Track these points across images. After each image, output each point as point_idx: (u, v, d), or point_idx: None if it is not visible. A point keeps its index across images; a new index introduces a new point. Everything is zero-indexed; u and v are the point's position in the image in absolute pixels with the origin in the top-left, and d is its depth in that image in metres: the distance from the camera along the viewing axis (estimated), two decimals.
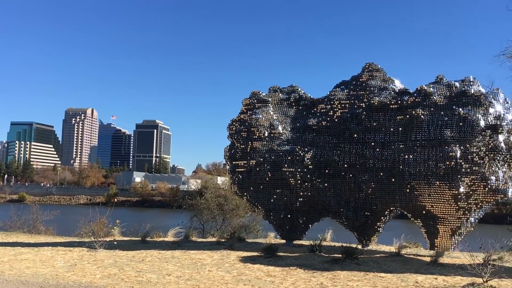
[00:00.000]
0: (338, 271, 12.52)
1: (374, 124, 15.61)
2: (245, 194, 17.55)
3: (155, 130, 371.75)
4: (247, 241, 20.18)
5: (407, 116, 14.94)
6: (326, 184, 16.19)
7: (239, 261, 14.04)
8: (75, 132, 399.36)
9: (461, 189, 13.92)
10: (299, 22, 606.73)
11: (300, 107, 17.80)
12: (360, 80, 16.84)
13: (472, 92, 14.52)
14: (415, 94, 15.30)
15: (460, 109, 14.26)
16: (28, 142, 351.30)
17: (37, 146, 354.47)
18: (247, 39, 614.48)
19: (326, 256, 14.72)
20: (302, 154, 16.16)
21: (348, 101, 16.57)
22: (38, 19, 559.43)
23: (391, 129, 15.30)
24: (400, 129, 15.09)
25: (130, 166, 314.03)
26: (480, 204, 14.38)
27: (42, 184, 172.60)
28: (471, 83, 14.97)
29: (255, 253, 15.21)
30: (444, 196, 14.17)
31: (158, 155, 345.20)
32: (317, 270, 12.71)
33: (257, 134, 16.93)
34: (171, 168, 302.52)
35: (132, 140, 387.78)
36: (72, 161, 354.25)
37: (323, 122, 16.63)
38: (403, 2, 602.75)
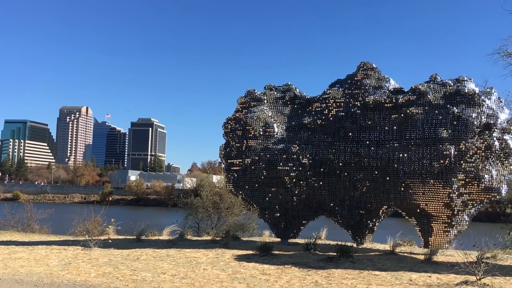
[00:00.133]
0: (332, 269, 12.57)
1: (369, 122, 15.66)
2: (240, 192, 17.56)
3: (150, 129, 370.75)
4: (242, 239, 20.21)
5: (402, 115, 14.99)
6: (321, 183, 16.23)
7: (234, 260, 14.06)
8: (70, 130, 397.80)
9: (455, 188, 14.00)
10: (298, 20, 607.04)
11: (295, 106, 17.83)
12: (355, 79, 16.88)
13: (466, 91, 14.60)
14: (410, 93, 15.36)
15: (454, 108, 14.33)
16: (22, 141, 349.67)
17: (32, 144, 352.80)
18: (244, 37, 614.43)
19: (321, 255, 14.77)
20: (297, 153, 16.18)
21: (343, 100, 16.61)
22: (32, 16, 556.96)
23: (386, 128, 15.35)
24: (395, 127, 15.15)
25: (125, 165, 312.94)
26: (474, 202, 14.47)
27: (36, 182, 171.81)
28: (465, 82, 15.04)
29: (250, 252, 15.24)
30: (438, 194, 14.24)
31: (153, 153, 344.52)
32: (312, 268, 12.75)
33: (252, 133, 16.94)
34: (166, 167, 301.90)
35: (127, 138, 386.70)
36: (66, 159, 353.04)
37: (318, 121, 16.66)
38: (400, 2, 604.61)
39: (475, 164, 14.00)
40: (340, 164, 15.89)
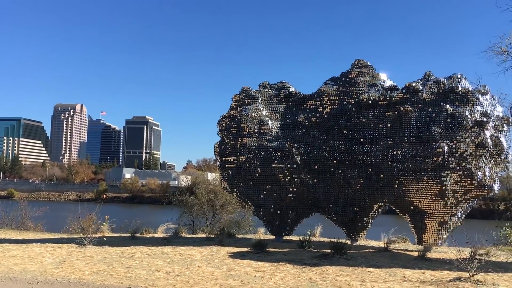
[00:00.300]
0: (327, 266, 12.61)
1: (363, 120, 15.71)
2: (235, 190, 17.58)
3: (145, 126, 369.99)
4: (237, 237, 20.23)
5: (396, 113, 15.05)
6: (315, 180, 16.28)
7: (228, 257, 14.09)
8: (64, 128, 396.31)
9: (448, 185, 14.09)
10: (297, 17, 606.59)
11: (290, 103, 17.85)
12: (350, 76, 16.91)
13: (460, 88, 14.67)
14: (404, 91, 15.41)
15: (448, 105, 14.40)
16: (16, 138, 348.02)
17: (26, 142, 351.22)
18: (241, 34, 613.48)
19: (315, 252, 14.82)
20: (292, 150, 16.22)
21: (337, 97, 16.65)
22: (25, 12, 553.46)
23: (380, 125, 15.40)
24: (389, 125, 15.20)
25: (120, 162, 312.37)
26: (467, 199, 14.56)
27: (30, 180, 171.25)
28: (459, 79, 15.12)
29: (245, 249, 15.27)
30: (431, 191, 14.32)
31: (148, 151, 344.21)
32: (306, 265, 12.80)
33: (247, 130, 16.96)
34: (161, 164, 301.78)
35: (122, 136, 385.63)
36: (61, 157, 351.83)
37: (312, 118, 16.70)
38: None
39: (468, 161, 14.09)
40: (335, 161, 15.95)
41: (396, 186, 14.80)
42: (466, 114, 14.17)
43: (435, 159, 14.03)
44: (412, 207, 15.00)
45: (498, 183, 14.69)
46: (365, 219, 16.67)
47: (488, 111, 14.51)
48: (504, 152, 14.64)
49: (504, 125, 14.83)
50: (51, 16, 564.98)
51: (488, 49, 21.20)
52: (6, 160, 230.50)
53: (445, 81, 15.16)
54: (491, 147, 14.24)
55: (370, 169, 15.30)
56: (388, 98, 15.47)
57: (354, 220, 16.51)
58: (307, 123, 16.70)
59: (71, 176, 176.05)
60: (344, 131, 15.99)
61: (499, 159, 14.68)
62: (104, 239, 17.24)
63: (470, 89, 14.77)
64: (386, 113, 15.35)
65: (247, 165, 16.87)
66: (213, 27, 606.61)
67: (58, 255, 14.77)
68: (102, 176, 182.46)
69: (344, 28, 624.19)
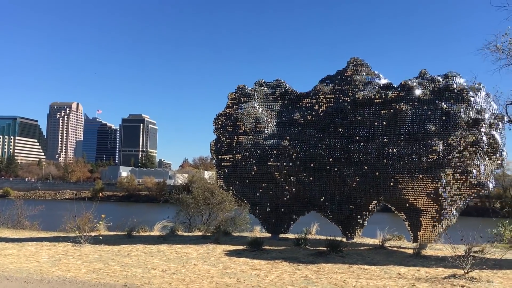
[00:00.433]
0: (322, 264, 12.66)
1: (359, 118, 15.75)
2: (231, 188, 17.60)
3: (142, 125, 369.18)
4: (233, 235, 20.26)
5: (391, 111, 15.10)
6: (311, 178, 16.31)
7: (224, 255, 14.11)
8: (60, 126, 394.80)
9: (444, 182, 14.15)
10: (294, 14, 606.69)
11: (286, 101, 17.87)
12: (345, 74, 16.95)
13: (455, 86, 14.73)
14: (399, 89, 15.46)
15: (443, 103, 14.46)
16: (12, 137, 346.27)
17: (21, 140, 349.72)
18: (237, 32, 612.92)
19: (311, 249, 14.86)
20: (288, 148, 16.24)
21: (333, 96, 16.68)
22: (20, 10, 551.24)
23: (376, 123, 15.45)
24: (384, 123, 15.25)
25: (116, 161, 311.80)
26: (462, 197, 14.63)
27: (26, 179, 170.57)
28: (454, 77, 15.18)
29: (241, 247, 15.30)
30: (427, 189, 14.38)
31: (144, 149, 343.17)
32: (302, 263, 12.84)
33: (243, 128, 16.97)
34: (157, 163, 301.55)
35: (118, 134, 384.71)
36: (57, 155, 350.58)
37: (308, 116, 16.72)
38: None
39: (463, 159, 14.15)
40: (330, 159, 15.98)
41: (391, 184, 14.85)
42: (461, 111, 14.23)
43: (431, 157, 14.09)
44: (407, 205, 15.06)
45: (493, 180, 14.77)
46: (360, 216, 16.71)
47: (483, 109, 14.57)
48: (499, 150, 14.72)
49: (499, 122, 14.90)
50: (48, 15, 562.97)
51: (484, 47, 21.27)
52: (1, 159, 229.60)
53: (440, 79, 15.22)
54: (486, 144, 14.31)
55: (365, 167, 15.35)
56: (383, 96, 15.51)
57: (350, 218, 16.56)
58: (303, 121, 16.73)
59: (67, 175, 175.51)
60: (340, 129, 16.03)
61: (494, 156, 14.76)
62: (100, 237, 17.23)
63: (465, 87, 14.82)
64: (382, 111, 15.40)
65: (243, 163, 16.88)
66: (210, 25, 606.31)
67: (54, 253, 14.75)
68: (98, 175, 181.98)
69: (340, 27, 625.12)
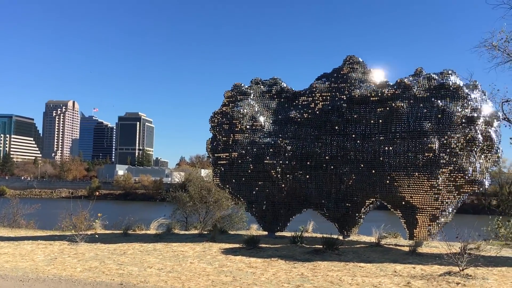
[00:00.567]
0: (318, 262, 12.67)
1: (355, 116, 15.76)
2: (227, 186, 17.59)
3: (138, 123, 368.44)
4: (230, 233, 20.27)
5: (387, 108, 15.12)
6: (307, 176, 16.32)
7: (221, 253, 14.11)
8: (56, 124, 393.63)
9: (440, 180, 14.18)
10: (291, 11, 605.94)
11: (282, 99, 17.87)
12: (341, 72, 16.97)
13: (451, 84, 14.76)
14: (395, 87, 15.47)
15: (439, 101, 14.49)
16: (7, 135, 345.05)
17: (17, 139, 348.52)
18: (235, 29, 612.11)
19: (307, 247, 14.88)
20: (284, 146, 16.25)
21: (329, 94, 16.69)
22: (15, 7, 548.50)
23: (372, 121, 15.47)
24: (380, 121, 15.27)
25: (113, 159, 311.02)
26: (458, 194, 14.67)
27: (22, 177, 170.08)
28: (450, 75, 15.21)
29: (237, 245, 15.30)
30: (423, 187, 14.42)
31: (141, 147, 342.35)
32: (298, 261, 12.85)
33: (239, 127, 16.96)
34: (154, 161, 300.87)
35: (114, 132, 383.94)
36: (53, 154, 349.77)
37: (304, 114, 16.73)
38: None
39: (459, 157, 14.19)
40: (327, 157, 15.99)
41: (387, 181, 14.88)
42: (457, 109, 14.26)
43: (427, 154, 14.12)
44: (403, 203, 15.09)
45: (488, 178, 14.82)
46: (357, 214, 16.75)
47: (479, 107, 14.61)
48: (494, 147, 14.77)
49: (494, 120, 14.95)
50: (43, 12, 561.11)
51: (480, 45, 21.34)
52: None
53: (436, 77, 15.25)
54: (481, 142, 14.35)
55: (362, 165, 15.37)
56: (379, 94, 15.53)
57: (346, 215, 16.59)
58: (299, 119, 16.73)
59: (63, 173, 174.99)
60: (336, 127, 16.04)
61: (490, 154, 14.81)
62: (96, 236, 17.19)
63: (461, 85, 14.86)
64: (378, 109, 15.42)
65: (239, 161, 16.88)
66: (207, 22, 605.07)
67: (50, 252, 14.72)
68: (94, 173, 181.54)
69: (336, 24, 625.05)
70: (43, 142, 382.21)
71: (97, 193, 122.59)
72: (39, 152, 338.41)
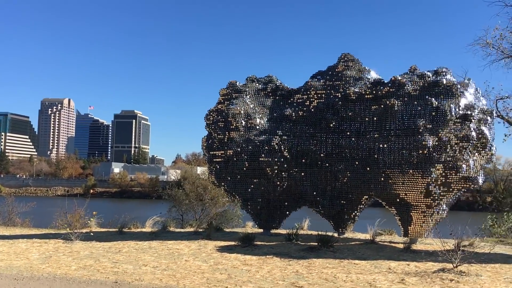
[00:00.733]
0: (313, 259, 12.71)
1: (350, 114, 15.79)
2: (223, 184, 17.60)
3: (134, 121, 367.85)
4: (225, 230, 20.29)
5: (382, 106, 15.15)
6: (302, 174, 16.35)
7: (216, 251, 14.12)
8: (52, 122, 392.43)
9: (434, 177, 14.24)
10: (288, 8, 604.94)
11: (277, 97, 17.88)
12: (336, 70, 16.99)
13: (445, 82, 14.80)
14: (389, 84, 15.51)
15: (433, 99, 14.52)
16: (3, 133, 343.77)
17: (13, 137, 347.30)
18: (232, 27, 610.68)
19: (302, 245, 14.92)
20: (279, 144, 16.26)
21: (324, 91, 16.71)
22: (12, 6, 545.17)
23: (366, 119, 15.49)
24: (375, 118, 15.30)
25: (109, 157, 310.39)
26: (452, 191, 14.73)
27: (18, 175, 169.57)
28: (444, 73, 15.26)
29: (232, 243, 15.32)
30: (417, 184, 14.46)
31: (137, 145, 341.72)
32: (293, 258, 12.89)
33: (234, 124, 16.96)
34: (150, 159, 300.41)
35: (110, 130, 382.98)
36: (48, 152, 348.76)
37: (299, 112, 16.75)
38: None
39: (453, 154, 14.25)
40: (322, 155, 16.02)
41: (382, 179, 14.92)
42: (451, 107, 14.31)
43: (421, 152, 14.17)
44: (398, 200, 15.14)
45: (482, 175, 14.89)
46: (352, 212, 16.80)
47: (473, 104, 14.67)
48: (488, 145, 14.83)
49: (488, 117, 15.01)
50: (39, 11, 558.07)
51: (474, 43, 21.43)
52: None
53: (430, 75, 15.29)
54: (475, 139, 14.41)
55: (357, 163, 15.40)
56: (374, 92, 15.56)
57: (341, 213, 16.64)
58: (294, 117, 16.75)
59: (59, 171, 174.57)
60: (331, 125, 16.06)
61: (484, 151, 14.87)
62: (92, 234, 17.19)
63: (455, 82, 14.90)
64: (373, 107, 15.45)
65: (235, 159, 16.88)
66: (204, 20, 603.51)
67: (45, 250, 14.69)
68: (90, 171, 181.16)
69: (333, 22, 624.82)
70: (38, 140, 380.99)
71: (93, 191, 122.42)
72: (34, 150, 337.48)
